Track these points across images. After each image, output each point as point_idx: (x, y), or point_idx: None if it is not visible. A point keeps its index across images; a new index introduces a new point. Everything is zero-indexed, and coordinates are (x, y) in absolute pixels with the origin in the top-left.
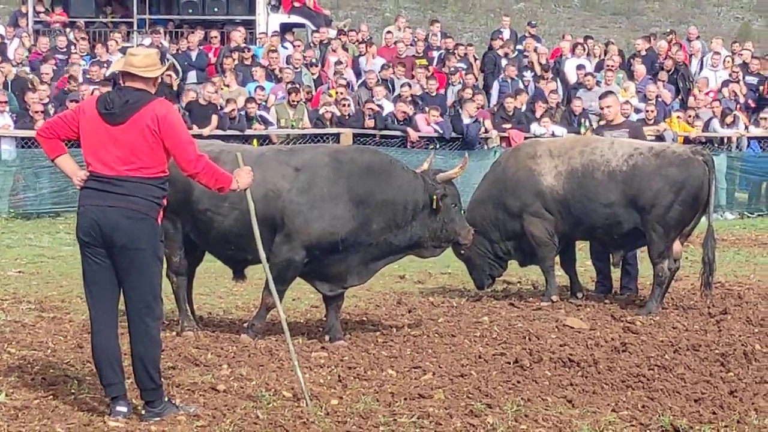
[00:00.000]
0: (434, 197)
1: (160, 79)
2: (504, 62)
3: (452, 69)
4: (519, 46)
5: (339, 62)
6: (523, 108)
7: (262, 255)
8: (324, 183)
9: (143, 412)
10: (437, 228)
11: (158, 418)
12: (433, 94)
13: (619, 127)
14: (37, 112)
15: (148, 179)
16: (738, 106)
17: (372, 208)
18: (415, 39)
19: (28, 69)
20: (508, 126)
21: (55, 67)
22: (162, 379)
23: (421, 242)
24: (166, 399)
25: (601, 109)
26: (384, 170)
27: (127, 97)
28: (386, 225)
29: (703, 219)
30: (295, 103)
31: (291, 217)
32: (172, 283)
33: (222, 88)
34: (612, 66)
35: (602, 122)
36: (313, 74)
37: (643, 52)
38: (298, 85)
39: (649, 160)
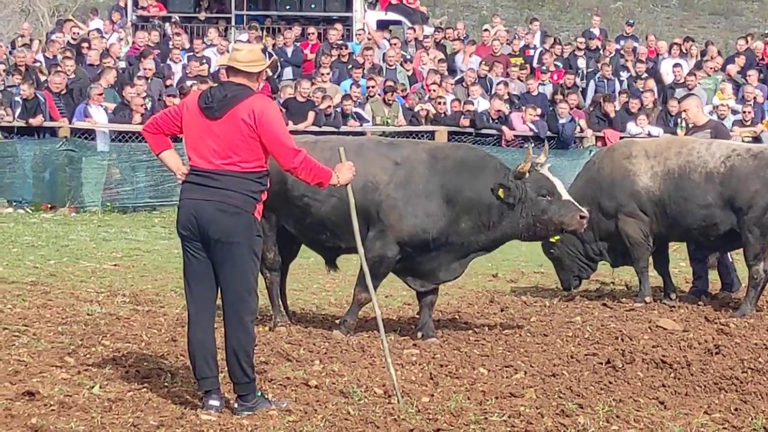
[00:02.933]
0: (498, 188)
1: (264, 75)
2: (584, 62)
3: (546, 68)
4: (616, 46)
5: (438, 59)
6: (617, 107)
7: (361, 250)
8: (420, 179)
9: (235, 405)
10: (528, 222)
11: (250, 413)
12: (535, 93)
13: (704, 128)
14: (138, 105)
15: (245, 173)
16: None
17: (460, 206)
18: (516, 36)
19: (124, 64)
20: (604, 126)
21: (153, 61)
22: (255, 374)
23: (519, 236)
24: (259, 393)
25: (683, 112)
26: (475, 167)
27: (226, 91)
28: (474, 225)
29: None
30: (391, 101)
31: (386, 212)
32: (265, 279)
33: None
34: (713, 67)
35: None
36: (407, 71)
37: (742, 53)
38: (393, 83)
39: (746, 162)
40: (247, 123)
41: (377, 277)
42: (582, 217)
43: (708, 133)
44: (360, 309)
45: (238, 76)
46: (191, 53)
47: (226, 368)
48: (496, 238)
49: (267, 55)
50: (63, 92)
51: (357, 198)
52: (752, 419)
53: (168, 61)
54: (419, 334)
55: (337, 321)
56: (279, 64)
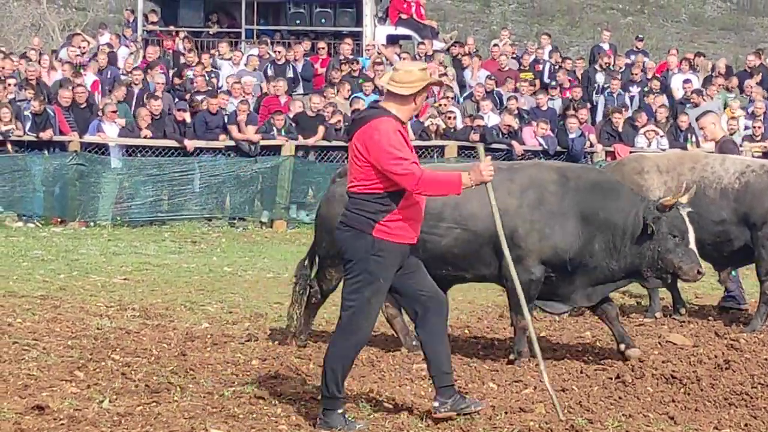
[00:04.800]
0: (648, 222)
1: (421, 98)
2: (602, 77)
3: (557, 83)
4: (626, 60)
5: (445, 74)
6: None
7: (513, 273)
8: (553, 199)
9: (318, 417)
10: (652, 257)
11: (326, 428)
12: (544, 108)
13: (720, 144)
14: (145, 119)
15: (362, 194)
16: None
17: (595, 226)
18: (526, 51)
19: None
20: (614, 141)
21: (162, 75)
22: (340, 393)
23: (640, 270)
24: (340, 412)
25: (701, 129)
26: (610, 189)
27: (362, 114)
28: (606, 247)
29: None
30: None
31: (523, 236)
32: (310, 296)
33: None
34: (722, 84)
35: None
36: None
37: (754, 68)
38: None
39: (761, 178)
40: (356, 147)
41: (530, 300)
42: (699, 273)
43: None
44: (525, 335)
45: (391, 97)
46: (202, 68)
47: None
48: (624, 267)
49: (291, 68)
50: (70, 106)
51: (483, 227)
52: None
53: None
54: (621, 347)
55: (510, 357)
56: (287, 78)
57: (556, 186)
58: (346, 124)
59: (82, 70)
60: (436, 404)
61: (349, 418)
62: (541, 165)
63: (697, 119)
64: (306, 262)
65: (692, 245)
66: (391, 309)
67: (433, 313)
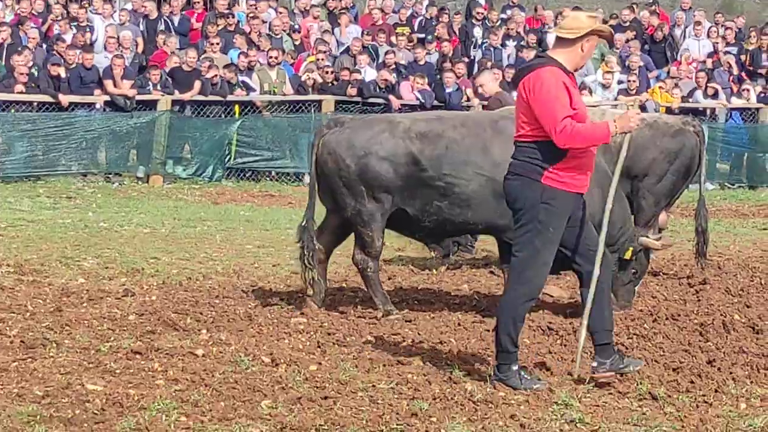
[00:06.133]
0: (630, 248)
1: (589, 45)
2: (479, 31)
3: (433, 37)
4: (502, 15)
5: (322, 29)
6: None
7: (606, 220)
8: None
9: (491, 372)
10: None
11: (499, 383)
12: (422, 63)
13: (495, 98)
14: (21, 74)
15: (530, 142)
16: (731, 77)
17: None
18: (403, 5)
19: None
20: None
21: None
22: (513, 347)
23: None
24: (515, 368)
25: (477, 87)
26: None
27: (529, 62)
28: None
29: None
30: (275, 63)
31: None
32: (366, 268)
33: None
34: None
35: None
36: (295, 41)
37: (627, 23)
38: (276, 51)
39: (642, 131)
40: (522, 95)
41: None
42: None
43: (498, 101)
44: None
45: (558, 44)
46: (75, 23)
47: None
48: None
49: (163, 22)
50: None
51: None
52: (637, 385)
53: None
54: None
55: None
56: (164, 33)
57: None
58: (221, 78)
59: None
60: (595, 364)
61: (525, 375)
62: None
63: (474, 77)
64: (306, 224)
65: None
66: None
67: (601, 269)
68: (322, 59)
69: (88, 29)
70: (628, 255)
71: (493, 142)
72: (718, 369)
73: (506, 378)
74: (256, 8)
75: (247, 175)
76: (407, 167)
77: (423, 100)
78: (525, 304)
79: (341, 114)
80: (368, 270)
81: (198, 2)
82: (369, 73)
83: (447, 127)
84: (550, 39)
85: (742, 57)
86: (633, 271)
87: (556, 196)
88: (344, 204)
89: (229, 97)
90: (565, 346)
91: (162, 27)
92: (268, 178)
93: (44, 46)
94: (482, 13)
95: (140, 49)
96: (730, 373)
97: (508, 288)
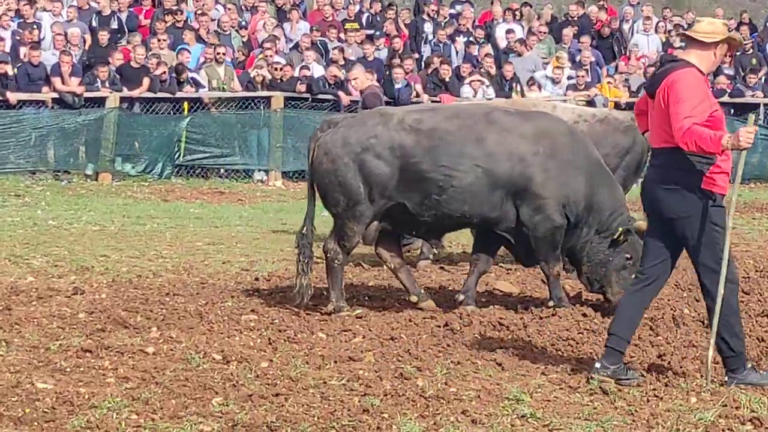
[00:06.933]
0: (620, 228)
1: (722, 51)
2: (429, 26)
3: (381, 33)
4: (451, 11)
5: (271, 25)
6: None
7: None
8: (566, 151)
9: (725, 378)
10: (600, 259)
11: (740, 384)
12: (370, 59)
13: (363, 93)
14: None
15: (677, 148)
16: None
17: (594, 196)
18: (351, 1)
19: None
20: (440, 90)
21: None
22: (742, 346)
23: (579, 257)
24: (750, 366)
25: (348, 81)
26: (609, 176)
27: (664, 67)
28: (589, 220)
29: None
30: (222, 60)
31: (543, 183)
32: (335, 259)
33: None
34: (539, 32)
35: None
36: (242, 37)
37: (576, 18)
38: (224, 47)
39: (593, 127)
40: (662, 97)
41: (556, 246)
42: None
43: (373, 96)
44: (559, 281)
45: (692, 46)
46: (22, 19)
47: None
48: (574, 245)
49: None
50: None
51: (501, 168)
52: (588, 380)
53: None
54: (461, 297)
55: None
56: (111, 29)
57: (568, 139)
58: (172, 75)
59: None
60: (598, 365)
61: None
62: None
63: (347, 71)
64: (305, 230)
65: (633, 276)
66: (397, 259)
67: (657, 281)
68: (271, 55)
69: (35, 26)
70: (618, 235)
71: (488, 133)
72: (669, 363)
73: (745, 377)
74: (204, 5)
75: (196, 172)
76: (403, 160)
77: None
78: (737, 297)
79: (289, 110)
80: (336, 261)
81: None
82: (317, 70)
83: (440, 118)
84: (499, 33)
85: None
86: (627, 256)
87: (716, 198)
88: (336, 201)
89: (178, 94)
90: (516, 341)
91: (115, 24)
92: (217, 175)
93: None
94: (434, 9)
95: (87, 45)
96: (681, 367)
97: (717, 295)
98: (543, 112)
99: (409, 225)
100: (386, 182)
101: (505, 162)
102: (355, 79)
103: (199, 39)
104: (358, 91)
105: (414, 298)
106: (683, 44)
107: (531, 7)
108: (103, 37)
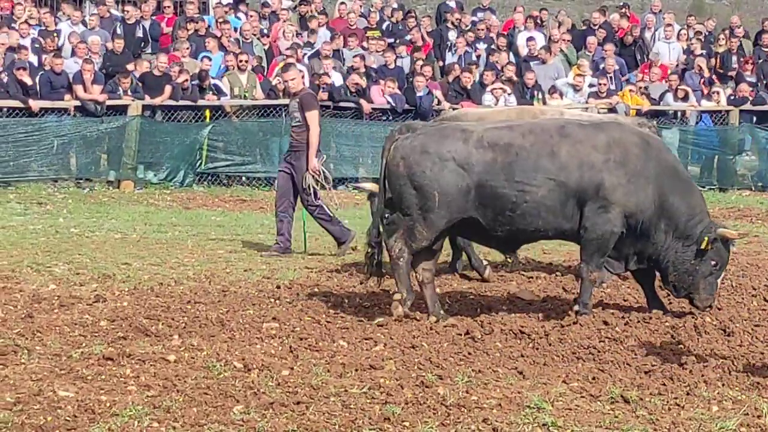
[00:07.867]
0: (706, 237)
1: None
2: (453, 34)
3: (401, 41)
4: (473, 18)
5: (294, 33)
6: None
7: None
8: (637, 161)
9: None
10: (686, 267)
11: None
12: (391, 66)
13: (295, 97)
14: None
15: None
16: (702, 80)
17: (666, 203)
18: (372, 9)
19: None
20: (462, 98)
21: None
22: None
23: (663, 265)
24: None
25: (285, 82)
26: (687, 179)
27: None
28: (665, 228)
29: None
30: (245, 68)
31: (610, 190)
32: (400, 257)
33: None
34: (561, 40)
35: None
36: (264, 45)
37: (597, 26)
38: (246, 55)
39: None
40: None
41: (604, 252)
42: (710, 306)
43: (295, 102)
44: (592, 288)
45: None
46: (43, 27)
47: None
48: (657, 253)
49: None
50: None
51: (573, 178)
52: (609, 387)
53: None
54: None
55: (575, 308)
56: (134, 38)
57: (638, 149)
58: (193, 83)
59: None
60: None
61: None
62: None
63: (282, 71)
64: (375, 231)
65: (719, 281)
66: (427, 273)
67: None
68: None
69: (55, 34)
70: (704, 245)
71: (561, 146)
72: (690, 372)
73: None
74: (225, 13)
75: (218, 180)
76: (480, 177)
77: (394, 104)
78: None
79: None
80: (401, 260)
81: (168, 7)
82: (336, 78)
83: (516, 134)
84: (521, 41)
85: (712, 60)
86: (713, 263)
87: None
88: (408, 205)
89: (200, 102)
90: (537, 349)
91: (140, 32)
92: (239, 183)
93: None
94: (458, 18)
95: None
96: (702, 375)
97: None
98: (617, 123)
99: (481, 237)
100: (461, 196)
101: (575, 171)
102: (292, 80)
103: (221, 47)
104: (293, 93)
105: (433, 319)
106: (703, 52)
107: (554, 16)
108: (119, 45)
